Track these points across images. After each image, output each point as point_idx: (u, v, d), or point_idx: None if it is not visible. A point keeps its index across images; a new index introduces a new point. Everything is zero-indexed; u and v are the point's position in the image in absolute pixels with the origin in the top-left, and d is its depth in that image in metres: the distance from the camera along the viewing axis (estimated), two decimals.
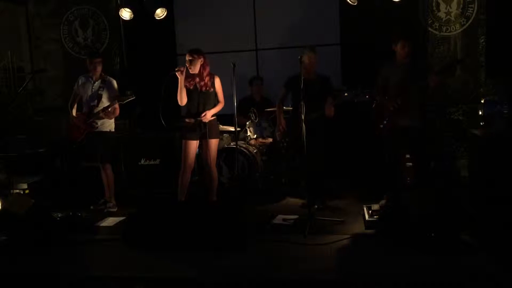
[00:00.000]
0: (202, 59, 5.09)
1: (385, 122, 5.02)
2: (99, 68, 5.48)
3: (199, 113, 5.11)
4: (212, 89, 5.16)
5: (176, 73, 4.98)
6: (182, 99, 5.08)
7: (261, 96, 6.69)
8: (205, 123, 5.11)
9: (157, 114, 4.92)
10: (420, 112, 5.02)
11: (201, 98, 5.13)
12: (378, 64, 5.17)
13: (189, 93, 5.11)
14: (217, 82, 5.19)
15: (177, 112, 5.38)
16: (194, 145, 5.19)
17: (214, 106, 5.18)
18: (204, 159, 5.27)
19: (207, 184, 5.33)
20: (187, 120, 5.17)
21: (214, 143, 5.22)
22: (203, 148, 5.24)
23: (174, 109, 5.19)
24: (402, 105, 4.90)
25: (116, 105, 5.41)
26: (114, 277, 3.85)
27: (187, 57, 5.07)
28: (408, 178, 5.37)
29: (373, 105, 5.17)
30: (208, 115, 5.10)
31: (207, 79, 5.12)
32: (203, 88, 5.13)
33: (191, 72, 5.07)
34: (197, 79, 5.13)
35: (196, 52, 5.08)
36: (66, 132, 5.70)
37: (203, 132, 5.12)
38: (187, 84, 5.09)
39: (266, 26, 6.99)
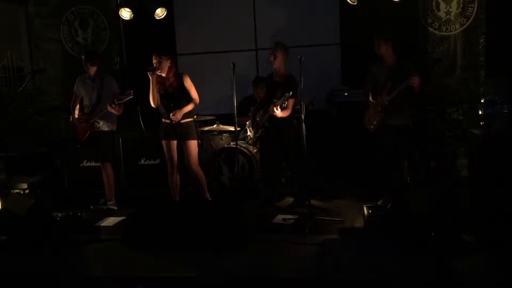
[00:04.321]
0: (169, 60, 5.08)
1: (375, 122, 5.04)
2: (95, 67, 5.46)
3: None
4: (180, 89, 5.12)
5: (148, 73, 4.98)
6: (154, 100, 5.09)
7: (261, 97, 6.68)
8: (180, 124, 5.10)
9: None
10: (410, 112, 5.03)
11: (172, 99, 5.12)
12: (368, 65, 5.19)
13: (161, 95, 5.11)
14: (186, 80, 5.15)
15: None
16: (172, 145, 5.21)
17: (186, 105, 5.15)
18: (185, 161, 5.27)
19: (196, 185, 5.34)
20: (163, 120, 5.20)
21: (191, 144, 5.20)
22: (183, 149, 5.24)
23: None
24: (391, 106, 4.91)
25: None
26: (114, 277, 3.85)
27: (154, 60, 5.04)
28: (408, 178, 5.38)
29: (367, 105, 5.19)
30: (178, 115, 5.07)
31: (172, 79, 5.10)
32: (169, 89, 5.11)
33: (158, 73, 5.05)
34: (165, 80, 5.11)
35: (163, 54, 5.05)
36: (72, 132, 5.70)
37: (179, 133, 5.12)
38: (157, 86, 5.08)
39: (266, 26, 6.98)
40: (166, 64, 5.05)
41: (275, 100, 5.15)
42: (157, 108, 5.20)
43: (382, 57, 5.03)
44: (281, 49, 5.31)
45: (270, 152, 5.54)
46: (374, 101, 5.06)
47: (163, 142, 5.21)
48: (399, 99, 4.87)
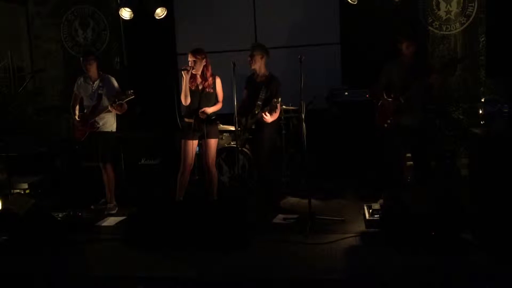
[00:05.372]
0: (204, 59, 5.11)
1: (389, 121, 5.03)
2: (94, 67, 5.45)
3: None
4: (213, 90, 5.18)
5: (183, 72, 5.00)
6: (187, 98, 5.11)
7: None
8: (204, 123, 5.11)
9: (157, 114, 4.90)
10: (424, 111, 5.03)
11: (202, 98, 5.14)
12: (382, 63, 5.17)
13: (190, 93, 5.12)
14: (218, 82, 5.23)
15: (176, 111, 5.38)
16: (192, 145, 5.20)
17: (214, 105, 5.21)
18: (203, 159, 5.27)
19: (206, 184, 5.34)
20: (186, 119, 5.18)
21: (213, 143, 5.23)
22: (203, 148, 5.25)
23: (173, 109, 5.19)
24: (406, 104, 4.91)
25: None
26: (114, 277, 3.85)
27: (190, 58, 5.07)
28: (409, 178, 5.38)
29: (379, 104, 5.17)
30: (207, 111, 5.10)
31: (210, 79, 5.16)
32: (206, 89, 5.14)
33: (193, 73, 5.09)
34: (200, 79, 5.14)
35: (199, 53, 5.09)
36: (72, 132, 5.69)
37: (202, 132, 5.13)
38: (189, 84, 5.10)
39: (266, 26, 6.98)
40: (201, 63, 5.09)
41: (259, 103, 5.17)
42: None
43: (404, 56, 4.99)
44: (259, 50, 5.33)
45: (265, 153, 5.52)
46: (389, 99, 5.03)
47: (183, 141, 5.21)
48: (414, 99, 4.87)
